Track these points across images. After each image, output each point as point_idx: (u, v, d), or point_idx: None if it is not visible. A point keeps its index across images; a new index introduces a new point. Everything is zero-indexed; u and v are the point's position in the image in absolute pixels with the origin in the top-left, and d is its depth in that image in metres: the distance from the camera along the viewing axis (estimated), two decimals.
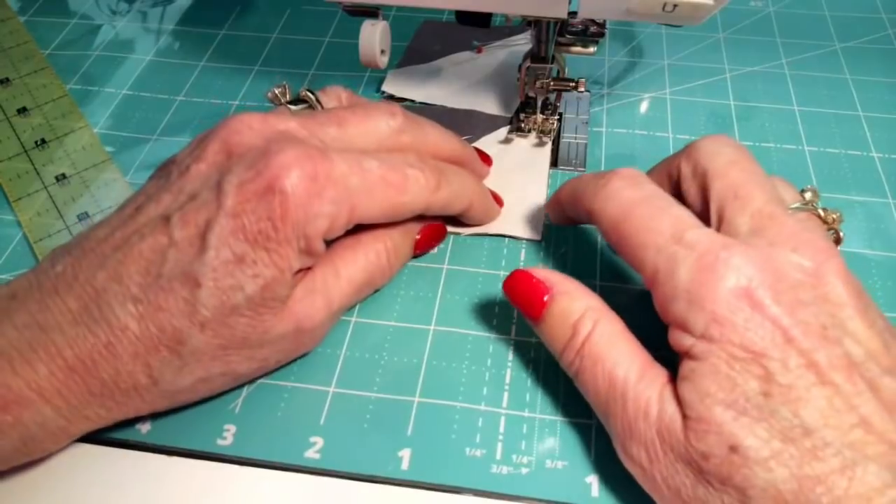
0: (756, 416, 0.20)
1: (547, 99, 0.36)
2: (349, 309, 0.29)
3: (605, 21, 0.32)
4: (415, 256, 0.32)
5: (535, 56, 0.33)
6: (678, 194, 0.27)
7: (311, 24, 0.46)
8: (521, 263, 0.32)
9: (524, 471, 0.26)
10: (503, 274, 0.32)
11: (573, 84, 0.34)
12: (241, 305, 0.24)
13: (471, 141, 0.37)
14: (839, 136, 0.37)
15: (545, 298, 0.26)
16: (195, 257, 0.23)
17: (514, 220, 0.33)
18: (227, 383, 0.27)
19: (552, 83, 0.34)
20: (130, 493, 0.26)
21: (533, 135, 0.37)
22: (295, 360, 0.28)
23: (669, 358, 0.24)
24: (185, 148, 0.27)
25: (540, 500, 0.25)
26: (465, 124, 0.38)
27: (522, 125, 0.37)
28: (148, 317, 0.23)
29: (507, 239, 0.33)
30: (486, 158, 0.34)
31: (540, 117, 0.36)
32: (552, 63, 0.34)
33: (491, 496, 0.25)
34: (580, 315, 0.25)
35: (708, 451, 0.21)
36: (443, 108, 0.39)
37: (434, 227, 0.31)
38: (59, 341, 0.23)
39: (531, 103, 0.36)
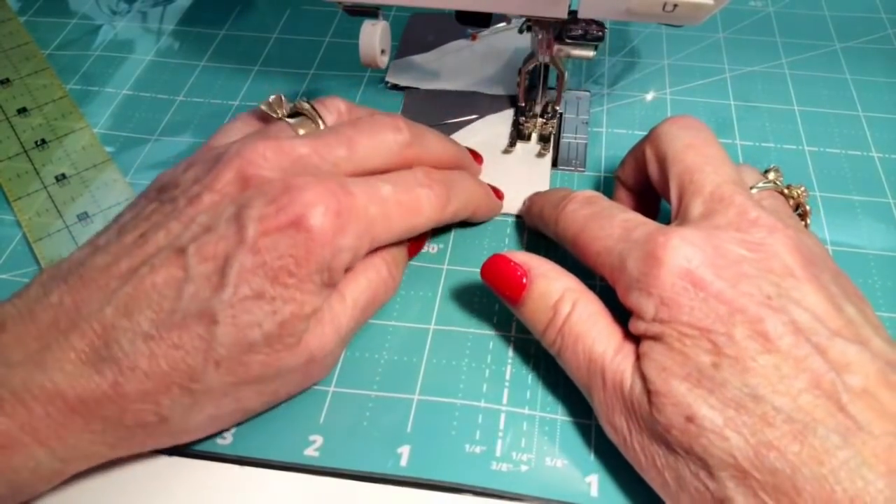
0: (708, 387, 0.21)
1: (546, 102, 0.36)
2: (355, 333, 0.29)
3: (605, 25, 0.32)
4: (410, 259, 0.32)
5: (534, 67, 0.34)
6: (647, 178, 0.28)
7: (311, 24, 0.46)
8: None
9: (524, 468, 0.26)
10: None
11: (598, 30, 0.32)
12: (258, 343, 0.23)
13: (476, 120, 0.38)
14: (839, 136, 0.37)
15: (524, 281, 0.26)
16: (213, 293, 0.23)
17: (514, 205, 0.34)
18: (235, 420, 0.26)
19: (555, 46, 0.33)
20: (130, 493, 0.26)
21: (534, 140, 0.37)
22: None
23: None
24: (183, 169, 0.26)
25: (540, 499, 0.25)
26: (470, 105, 0.39)
27: (522, 129, 0.37)
28: (160, 355, 0.22)
29: (507, 239, 0.33)
30: (477, 158, 0.35)
31: (539, 121, 0.36)
32: (552, 64, 0.34)
33: (490, 494, 0.25)
34: (559, 296, 0.26)
35: (668, 423, 0.22)
36: (447, 91, 0.40)
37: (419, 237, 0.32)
38: (60, 381, 0.22)
39: (530, 105, 0.36)
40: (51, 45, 0.45)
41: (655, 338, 0.23)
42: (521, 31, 0.33)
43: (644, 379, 0.23)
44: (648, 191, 0.29)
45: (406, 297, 0.31)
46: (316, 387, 0.28)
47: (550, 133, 0.36)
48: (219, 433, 0.27)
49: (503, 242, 0.33)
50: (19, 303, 0.24)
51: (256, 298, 0.23)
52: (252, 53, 0.44)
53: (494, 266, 0.27)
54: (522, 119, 0.37)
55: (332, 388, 0.28)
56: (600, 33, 0.32)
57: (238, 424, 0.27)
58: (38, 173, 0.37)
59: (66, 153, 0.38)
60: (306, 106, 0.29)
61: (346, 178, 0.25)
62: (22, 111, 0.40)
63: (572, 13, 0.29)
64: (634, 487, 0.25)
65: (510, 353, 0.29)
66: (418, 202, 0.27)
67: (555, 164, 0.36)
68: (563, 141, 0.37)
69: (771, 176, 0.27)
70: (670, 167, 0.26)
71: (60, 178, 0.36)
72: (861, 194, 0.34)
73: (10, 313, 0.23)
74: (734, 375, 0.21)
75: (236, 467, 0.26)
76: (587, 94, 0.40)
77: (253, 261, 0.23)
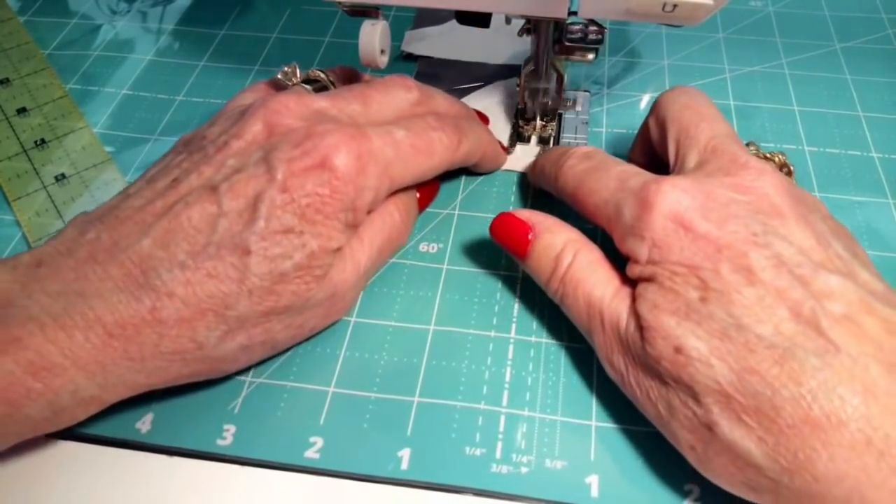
0: (696, 320, 0.22)
1: (546, 104, 0.36)
2: (374, 274, 0.31)
3: (604, 27, 0.32)
4: (421, 211, 0.34)
5: (534, 70, 0.34)
6: (654, 152, 0.30)
7: (311, 24, 0.46)
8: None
9: (524, 470, 0.26)
10: (503, 274, 0.32)
11: (570, 103, 0.36)
12: (288, 273, 0.25)
13: (483, 87, 0.40)
14: (839, 136, 0.37)
15: (529, 237, 0.28)
16: (245, 227, 0.24)
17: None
18: (265, 352, 0.27)
19: (549, 103, 0.35)
20: (130, 493, 0.26)
21: (533, 143, 0.37)
22: (325, 329, 0.29)
23: None
24: (208, 126, 0.28)
25: (539, 500, 0.25)
26: (479, 73, 0.41)
27: (522, 131, 0.37)
28: (196, 283, 0.24)
29: None
30: (484, 119, 0.37)
31: (539, 123, 0.36)
32: (551, 69, 0.34)
33: (491, 496, 0.25)
34: (562, 248, 0.27)
35: (658, 355, 0.23)
36: (458, 61, 0.42)
37: (429, 184, 0.33)
38: (100, 307, 0.23)
39: (530, 109, 0.36)
40: (51, 45, 0.45)
41: (648, 279, 0.24)
42: (520, 34, 0.33)
43: (637, 317, 0.24)
44: (657, 166, 0.30)
45: (406, 297, 0.31)
46: (316, 387, 0.28)
47: (550, 135, 0.36)
48: (247, 369, 0.28)
49: None
50: (55, 242, 0.25)
51: (286, 233, 0.25)
52: (252, 53, 0.44)
53: (502, 223, 0.29)
54: (521, 122, 0.37)
55: (332, 389, 0.28)
56: (600, 36, 0.32)
57: (232, 390, 0.28)
58: (37, 173, 0.37)
59: (66, 153, 0.38)
60: (320, 74, 0.31)
61: (363, 125, 0.27)
62: (22, 111, 0.40)
63: (572, 14, 0.29)
64: (634, 487, 0.25)
65: (510, 354, 0.29)
66: (431, 144, 0.29)
67: None
68: (563, 141, 0.37)
69: (751, 150, 0.29)
70: (669, 127, 0.28)
71: (60, 178, 0.36)
72: (861, 194, 0.34)
73: (47, 252, 0.25)
74: (720, 307, 0.22)
75: (236, 468, 0.26)
76: (587, 94, 0.40)
77: (282, 198, 0.25)
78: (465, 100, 0.38)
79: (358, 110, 0.29)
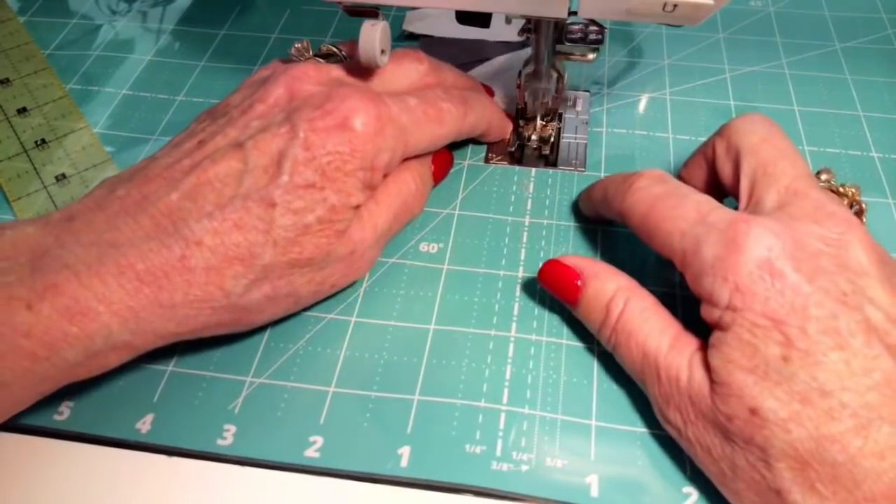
0: (776, 380, 0.21)
1: (546, 104, 0.36)
2: (393, 236, 0.32)
3: (605, 28, 0.32)
4: (438, 182, 0.35)
5: (534, 70, 0.34)
6: (714, 174, 0.29)
7: (311, 24, 0.46)
8: (521, 262, 0.32)
9: (524, 468, 0.26)
10: (503, 273, 0.32)
11: (571, 100, 0.36)
12: (312, 225, 0.26)
13: (485, 60, 0.42)
14: (839, 136, 0.37)
15: (578, 284, 0.28)
16: (270, 182, 0.25)
17: None
18: (289, 306, 0.28)
19: (549, 103, 0.35)
20: (130, 493, 0.26)
21: (534, 137, 0.37)
22: (346, 288, 0.31)
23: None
24: (231, 95, 0.30)
25: (540, 499, 0.25)
26: (481, 50, 0.42)
27: (522, 131, 0.37)
28: (223, 232, 0.24)
29: (507, 238, 0.33)
30: (489, 91, 0.38)
31: (539, 124, 0.36)
32: (552, 69, 0.34)
33: (491, 494, 0.25)
34: (612, 295, 0.27)
35: (731, 414, 0.22)
36: (459, 39, 0.43)
37: (444, 156, 0.35)
38: (131, 254, 0.24)
39: (530, 109, 0.36)
40: (51, 45, 0.45)
41: (725, 327, 0.23)
42: (520, 34, 0.33)
43: (708, 370, 0.23)
44: (713, 191, 0.29)
45: (406, 297, 0.31)
46: (316, 387, 0.28)
47: (550, 135, 0.36)
48: (248, 369, 0.29)
49: (502, 241, 0.33)
50: (86, 200, 0.26)
51: (308, 188, 0.26)
52: (252, 53, 0.44)
53: (550, 271, 0.29)
54: (522, 122, 0.37)
55: (332, 389, 0.28)
56: (600, 36, 0.32)
57: (232, 390, 0.28)
58: (38, 173, 0.37)
59: (66, 153, 0.38)
60: (333, 48, 0.32)
61: (379, 91, 0.29)
62: (22, 111, 0.40)
63: (572, 14, 0.29)
64: (634, 487, 0.25)
65: (510, 352, 0.29)
66: (441, 113, 0.30)
67: (555, 164, 0.36)
68: (563, 141, 0.37)
69: (823, 177, 0.27)
70: (744, 159, 0.26)
71: (60, 178, 0.36)
72: (861, 194, 0.34)
73: (78, 208, 0.26)
74: (803, 369, 0.21)
75: (236, 467, 0.26)
76: (587, 94, 0.40)
77: (305, 155, 0.26)
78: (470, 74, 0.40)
79: (373, 79, 0.30)
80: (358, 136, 0.26)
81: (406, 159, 0.31)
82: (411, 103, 0.29)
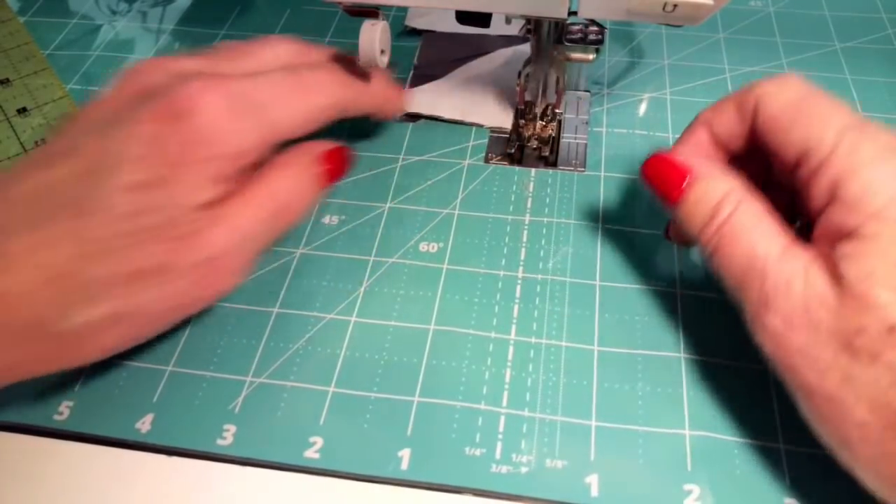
0: None
1: (546, 105, 0.36)
2: (266, 243, 0.28)
3: (605, 27, 0.32)
4: (332, 183, 0.30)
5: (534, 70, 0.34)
6: (752, 142, 0.26)
7: (311, 24, 0.46)
8: (521, 262, 0.32)
9: (524, 470, 0.26)
10: (503, 273, 0.32)
11: (598, 33, 0.33)
12: (150, 229, 0.23)
13: (485, 55, 0.42)
14: None
15: (685, 183, 0.25)
16: (99, 184, 0.23)
17: (486, 111, 0.38)
18: (141, 327, 0.25)
19: (549, 103, 0.34)
20: (130, 493, 0.26)
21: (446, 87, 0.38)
22: (213, 304, 0.28)
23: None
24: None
25: (539, 500, 0.25)
26: (483, 44, 0.42)
27: (521, 131, 0.37)
28: (44, 245, 0.22)
29: (507, 238, 0.33)
30: (382, 74, 0.34)
31: (539, 124, 0.36)
32: (552, 69, 0.34)
33: (491, 496, 0.25)
34: (723, 196, 0.25)
35: (863, 328, 0.21)
36: (461, 34, 0.42)
37: (338, 152, 0.30)
38: None
39: (530, 109, 0.36)
40: (51, 45, 0.45)
41: (865, 237, 0.21)
42: (520, 34, 0.33)
43: (832, 279, 0.22)
44: (747, 155, 0.27)
45: (406, 297, 0.31)
46: (316, 387, 0.28)
47: (550, 135, 0.36)
48: (247, 369, 0.28)
49: (503, 241, 0.33)
50: None
51: (145, 187, 0.23)
52: None
53: (655, 165, 0.27)
54: (522, 122, 0.37)
55: (332, 389, 0.28)
56: (600, 36, 0.32)
57: (232, 390, 0.27)
58: None
59: None
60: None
61: (231, 75, 0.26)
62: (22, 111, 0.40)
63: (572, 14, 0.29)
64: (634, 487, 0.25)
65: (510, 355, 0.29)
66: (307, 83, 0.28)
67: (555, 164, 0.36)
68: (563, 141, 0.37)
69: None
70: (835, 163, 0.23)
71: None
72: None
73: None
74: None
75: (236, 468, 0.26)
76: (587, 94, 0.40)
77: (139, 151, 0.23)
78: (466, 67, 0.40)
79: (231, 63, 0.28)
80: (203, 120, 0.24)
81: (288, 153, 0.28)
82: (273, 77, 0.27)
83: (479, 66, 0.41)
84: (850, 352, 0.21)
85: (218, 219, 0.25)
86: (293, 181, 0.28)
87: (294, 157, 0.28)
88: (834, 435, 0.22)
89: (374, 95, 0.32)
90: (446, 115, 0.38)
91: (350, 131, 0.38)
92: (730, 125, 0.27)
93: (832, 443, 0.22)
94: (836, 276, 0.22)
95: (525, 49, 0.40)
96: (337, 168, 0.30)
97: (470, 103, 0.39)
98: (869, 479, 0.21)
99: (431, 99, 0.39)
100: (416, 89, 0.40)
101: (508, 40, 0.42)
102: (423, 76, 0.41)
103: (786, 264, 0.23)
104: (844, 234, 0.22)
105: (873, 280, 0.21)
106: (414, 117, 0.39)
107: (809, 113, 0.24)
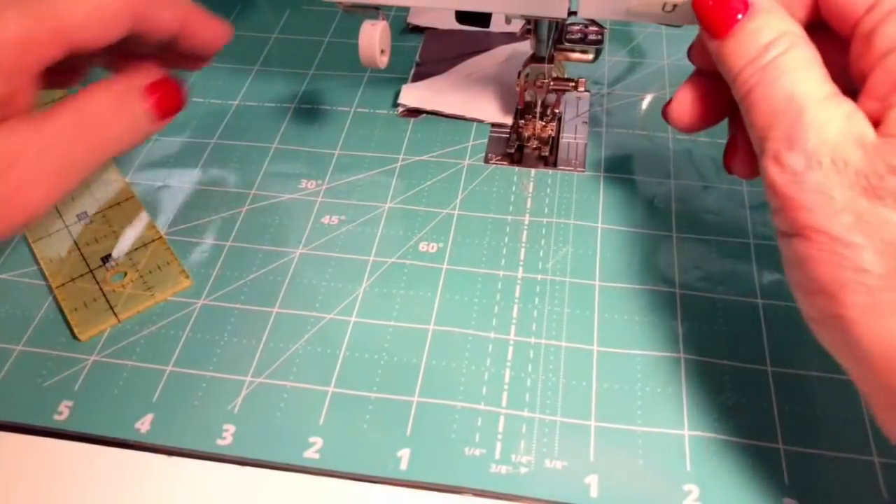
0: None
1: (545, 104, 0.36)
2: (71, 176, 0.23)
3: (604, 27, 0.32)
4: (164, 119, 0.26)
5: (535, 57, 0.33)
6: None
7: (311, 24, 0.46)
8: (521, 263, 0.32)
9: (523, 470, 0.26)
10: (502, 274, 0.32)
11: (572, 84, 0.34)
12: None
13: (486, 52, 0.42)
14: None
15: (739, 16, 0.23)
16: None
17: (486, 107, 0.38)
18: None
19: (551, 83, 0.34)
20: (130, 493, 0.26)
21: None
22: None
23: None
24: None
25: (539, 500, 0.25)
26: (484, 42, 0.43)
27: (521, 131, 0.37)
28: None
29: (506, 238, 0.33)
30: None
31: (539, 124, 0.36)
32: (551, 69, 0.34)
33: (490, 496, 0.25)
34: (778, 35, 0.23)
35: (894, 168, 0.20)
36: (463, 31, 0.42)
37: (166, 83, 0.26)
38: None
39: (530, 109, 0.36)
40: None
41: None
42: (520, 34, 0.33)
43: (884, 123, 0.21)
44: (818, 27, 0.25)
45: (406, 297, 0.31)
46: (315, 387, 0.28)
47: (550, 135, 0.36)
48: (247, 369, 0.27)
49: (502, 241, 0.33)
50: None
51: None
52: (252, 53, 0.44)
53: None
54: (521, 121, 0.37)
55: (331, 389, 0.28)
56: (599, 36, 0.32)
57: (232, 390, 0.27)
58: None
59: None
60: None
61: None
62: None
63: (572, 14, 0.29)
64: (634, 487, 0.25)
65: (509, 355, 0.29)
66: None
67: (555, 164, 0.36)
68: (563, 141, 0.37)
69: None
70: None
71: None
72: None
73: None
74: None
75: (236, 468, 0.26)
76: (587, 94, 0.40)
77: None
78: (467, 64, 0.41)
79: None
80: None
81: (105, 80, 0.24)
82: None
83: (479, 63, 0.41)
84: (873, 194, 0.20)
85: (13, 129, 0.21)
86: (102, 102, 0.24)
87: (112, 80, 0.25)
88: (825, 281, 0.20)
89: (177, 15, 0.26)
90: (447, 111, 0.39)
91: (349, 131, 0.39)
92: None
93: (816, 291, 0.21)
94: (881, 123, 0.20)
95: (525, 46, 0.40)
96: (163, 98, 0.26)
97: (470, 99, 0.39)
98: (847, 339, 0.20)
99: (431, 94, 0.40)
100: (415, 84, 0.40)
101: (510, 37, 0.43)
102: (425, 73, 0.41)
103: (827, 107, 0.21)
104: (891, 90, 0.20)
105: None
106: (414, 112, 0.39)
107: None
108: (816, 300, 0.21)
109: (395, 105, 0.40)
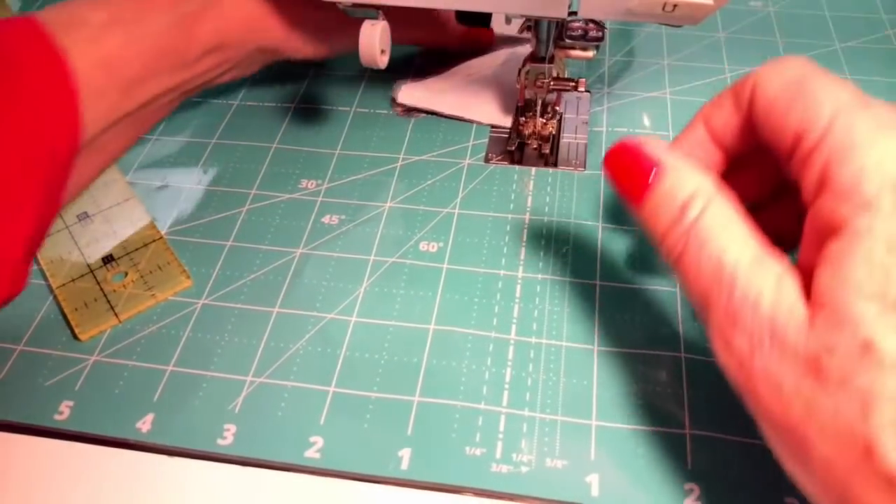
0: None
1: (545, 102, 0.36)
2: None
3: (604, 25, 0.32)
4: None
5: (534, 56, 0.33)
6: (751, 139, 0.24)
7: None
8: (521, 263, 0.32)
9: (524, 470, 0.26)
10: (503, 273, 0.32)
11: (573, 84, 0.34)
12: None
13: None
14: None
15: (651, 178, 0.22)
16: None
17: (483, 109, 0.38)
18: None
19: (551, 83, 0.34)
20: (130, 493, 0.26)
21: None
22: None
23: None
24: None
25: (540, 500, 0.25)
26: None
27: (522, 130, 0.37)
28: None
29: (507, 237, 0.33)
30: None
31: (539, 122, 0.36)
32: (551, 64, 0.34)
33: (491, 495, 0.25)
34: (691, 193, 0.22)
35: (834, 346, 0.18)
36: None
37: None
38: None
39: (530, 107, 0.36)
40: None
41: (853, 236, 0.18)
42: (520, 32, 0.33)
43: (808, 290, 0.19)
44: (750, 157, 0.25)
45: (406, 297, 0.31)
46: (316, 387, 0.28)
47: (550, 133, 0.36)
48: (247, 369, 0.27)
49: (502, 240, 0.33)
50: None
51: None
52: None
53: (620, 155, 0.23)
54: (522, 119, 0.37)
55: (332, 389, 0.28)
56: (600, 34, 0.32)
57: (232, 389, 0.27)
58: None
59: None
60: None
61: None
62: None
63: (572, 13, 0.29)
64: (634, 487, 0.25)
65: (510, 354, 0.29)
66: None
67: (555, 163, 0.36)
68: (563, 141, 0.37)
69: None
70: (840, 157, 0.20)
71: None
72: None
73: None
74: None
75: (236, 468, 0.26)
76: (587, 94, 0.40)
77: None
78: (466, 65, 0.41)
79: None
80: None
81: None
82: None
83: (478, 64, 0.41)
84: (815, 376, 0.18)
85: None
86: None
87: None
88: (800, 475, 0.19)
89: None
90: (445, 111, 0.39)
91: (349, 131, 0.38)
92: (727, 118, 0.24)
93: (800, 484, 0.20)
94: (811, 289, 0.19)
95: (525, 49, 0.40)
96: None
97: (468, 100, 0.39)
98: None
99: (429, 94, 0.40)
100: (414, 84, 0.40)
101: (509, 40, 0.42)
102: (424, 74, 0.41)
103: (757, 274, 0.20)
104: (832, 230, 0.19)
105: (849, 288, 0.18)
106: (412, 111, 0.39)
107: (806, 92, 0.21)
108: (800, 485, 0.20)
109: (393, 102, 0.40)
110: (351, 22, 0.31)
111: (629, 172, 0.23)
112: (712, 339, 0.21)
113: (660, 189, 0.22)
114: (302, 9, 0.34)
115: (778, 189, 0.25)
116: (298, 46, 0.35)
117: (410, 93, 0.39)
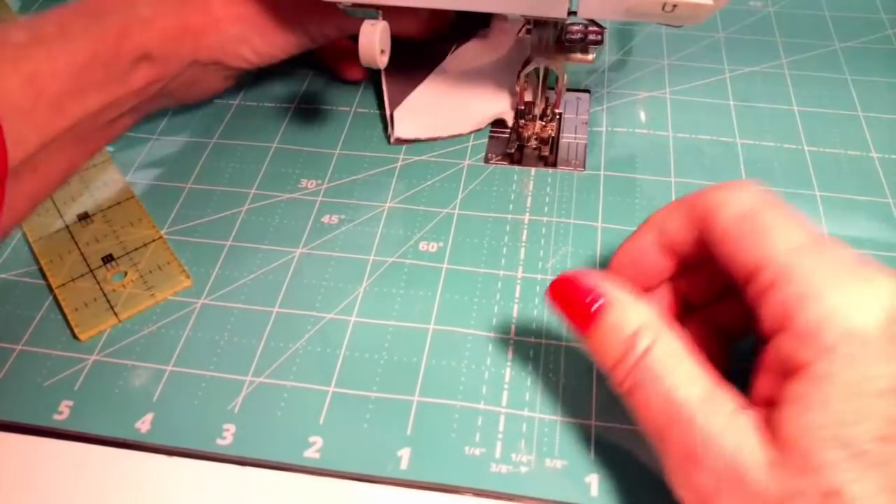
0: (870, 463, 0.18)
1: (546, 104, 0.36)
2: None
3: (604, 28, 0.32)
4: None
5: (534, 70, 0.33)
6: (701, 252, 0.24)
7: None
8: (521, 262, 0.32)
9: (523, 470, 0.26)
10: (502, 273, 0.32)
11: (597, 33, 0.32)
12: None
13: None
14: (839, 137, 0.37)
15: (594, 309, 0.23)
16: None
17: (475, 113, 0.37)
18: None
19: (549, 103, 0.34)
20: (130, 493, 0.26)
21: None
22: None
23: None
24: None
25: (539, 500, 0.25)
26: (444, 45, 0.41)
27: (521, 131, 0.37)
28: None
29: (506, 237, 0.33)
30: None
31: (539, 124, 0.36)
32: (551, 69, 0.34)
33: (490, 495, 0.25)
34: (637, 327, 0.22)
35: (797, 492, 0.18)
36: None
37: None
38: None
39: (530, 108, 0.36)
40: None
41: (818, 379, 0.18)
42: (520, 34, 0.33)
43: (764, 431, 0.19)
44: (699, 266, 0.25)
45: (406, 297, 0.31)
46: (315, 387, 0.28)
47: (550, 135, 0.36)
48: (247, 369, 0.27)
49: (502, 241, 0.33)
50: None
51: None
52: None
53: (562, 287, 0.24)
54: (521, 121, 0.37)
55: (331, 389, 0.28)
56: (599, 36, 0.32)
57: (232, 389, 0.27)
58: None
59: None
60: None
61: None
62: None
63: (572, 14, 0.29)
64: (634, 487, 0.25)
65: (509, 354, 0.29)
66: None
67: (554, 164, 0.36)
68: (563, 141, 0.37)
69: None
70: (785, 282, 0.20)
71: None
72: (861, 194, 0.34)
73: None
74: None
75: (236, 468, 0.26)
76: (587, 94, 0.40)
77: None
78: (441, 70, 0.39)
79: None
80: None
81: None
82: None
83: (461, 57, 0.39)
84: None
85: None
86: None
87: None
88: None
89: None
90: (445, 134, 0.38)
91: (349, 131, 0.38)
92: (680, 232, 0.24)
93: None
94: (772, 428, 0.19)
95: (491, 36, 0.39)
96: None
97: (464, 105, 0.38)
98: None
99: (425, 118, 0.38)
100: (406, 108, 0.38)
101: (471, 20, 0.40)
102: (396, 80, 0.39)
103: (710, 415, 0.20)
104: (793, 369, 0.19)
105: (813, 435, 0.18)
106: (406, 141, 0.38)
107: (761, 227, 0.21)
108: None
109: (387, 132, 0.38)
110: (291, 23, 0.32)
111: (572, 304, 0.23)
112: (670, 473, 0.21)
113: (605, 322, 0.22)
114: (234, 16, 0.33)
115: (725, 289, 0.25)
116: (241, 54, 0.34)
117: (407, 126, 0.38)
